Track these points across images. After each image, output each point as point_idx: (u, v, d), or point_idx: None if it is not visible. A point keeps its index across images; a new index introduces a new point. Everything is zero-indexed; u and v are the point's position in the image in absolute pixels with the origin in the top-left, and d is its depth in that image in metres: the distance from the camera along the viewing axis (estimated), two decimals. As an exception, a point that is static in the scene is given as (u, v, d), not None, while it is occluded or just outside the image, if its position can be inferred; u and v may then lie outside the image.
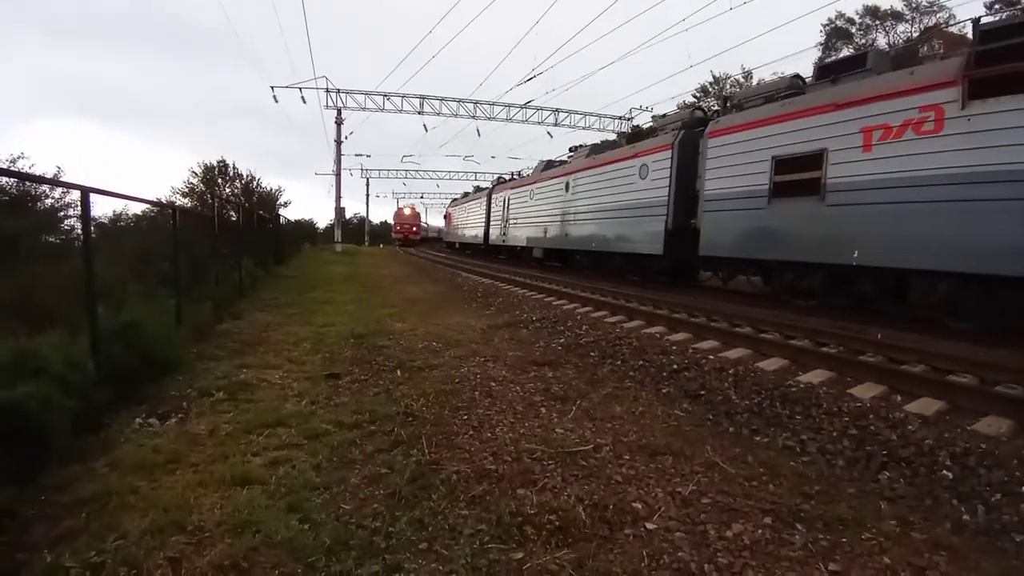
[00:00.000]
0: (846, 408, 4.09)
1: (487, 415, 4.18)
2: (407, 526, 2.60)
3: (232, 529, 2.54)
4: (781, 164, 9.93)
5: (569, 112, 32.71)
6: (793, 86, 10.92)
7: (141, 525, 2.55)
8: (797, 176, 9.61)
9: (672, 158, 13.07)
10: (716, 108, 13.54)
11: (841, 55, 33.25)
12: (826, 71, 10.15)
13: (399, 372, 5.41)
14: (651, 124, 20.26)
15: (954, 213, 7.26)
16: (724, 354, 5.92)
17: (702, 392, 4.82)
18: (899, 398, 4.52)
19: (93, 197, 4.43)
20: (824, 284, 9.54)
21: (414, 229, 59.53)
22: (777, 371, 5.30)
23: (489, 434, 3.80)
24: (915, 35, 29.85)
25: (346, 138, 33.77)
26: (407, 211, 60.70)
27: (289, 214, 39.44)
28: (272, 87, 30.37)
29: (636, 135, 17.04)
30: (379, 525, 2.61)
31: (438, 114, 31.48)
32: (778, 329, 7.11)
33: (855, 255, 8.50)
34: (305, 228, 52.37)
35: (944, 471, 3.20)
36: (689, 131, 13.02)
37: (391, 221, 68.95)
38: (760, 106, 10.98)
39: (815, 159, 9.24)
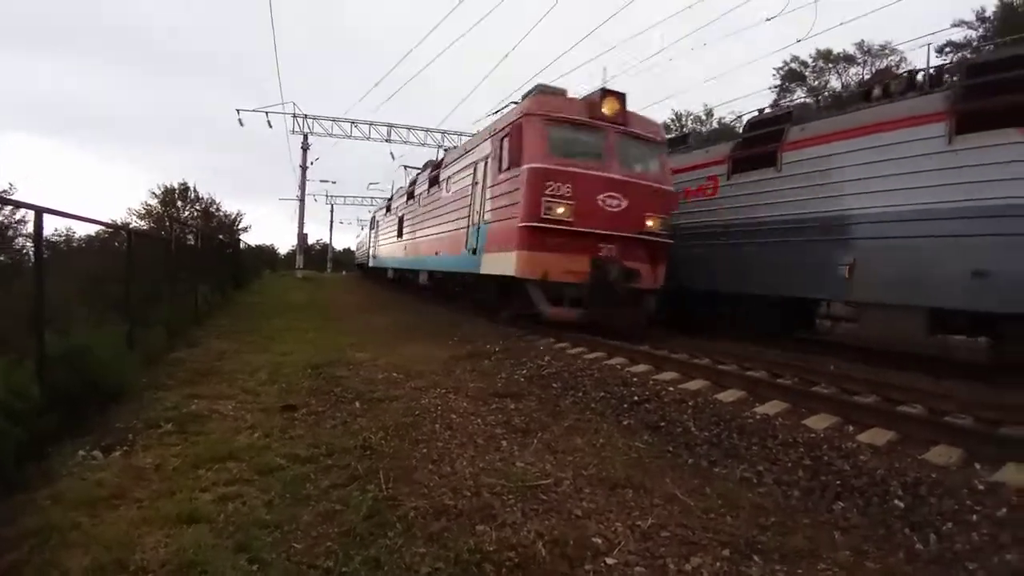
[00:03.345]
0: (801, 439, 4.16)
1: (447, 448, 4.11)
2: (361, 566, 2.52)
3: (177, 569, 2.42)
4: None
5: (536, 144, 33.02)
6: None
7: (83, 563, 2.42)
8: None
9: None
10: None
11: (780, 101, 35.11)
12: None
13: (358, 404, 5.29)
14: None
15: (725, 250, 10.64)
16: (684, 385, 5.98)
17: (662, 424, 4.85)
18: (851, 428, 4.63)
19: (46, 217, 4.30)
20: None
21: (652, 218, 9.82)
22: (735, 402, 5.38)
23: (449, 468, 3.74)
24: (867, 77, 31.61)
25: (312, 163, 33.45)
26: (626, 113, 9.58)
27: (249, 239, 38.71)
28: (238, 110, 29.52)
29: None
30: (332, 565, 2.52)
31: (405, 142, 31.53)
32: (736, 360, 7.26)
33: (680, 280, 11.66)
34: (266, 253, 51.04)
35: (896, 500, 3.27)
36: None
37: (354, 248, 49.32)
38: None
39: None
